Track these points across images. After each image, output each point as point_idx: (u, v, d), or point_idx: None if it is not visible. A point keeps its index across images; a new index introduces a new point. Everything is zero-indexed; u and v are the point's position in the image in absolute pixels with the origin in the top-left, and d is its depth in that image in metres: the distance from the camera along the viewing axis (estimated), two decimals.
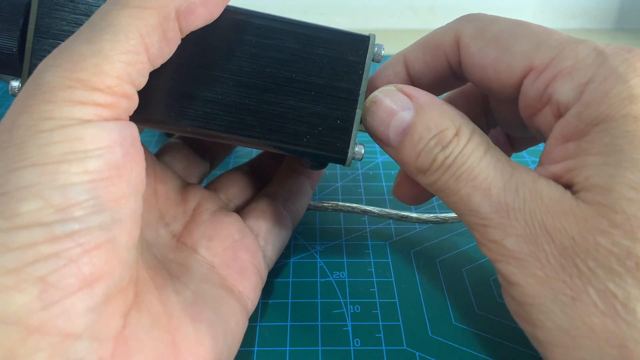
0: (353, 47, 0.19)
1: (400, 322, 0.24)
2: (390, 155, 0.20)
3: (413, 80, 0.22)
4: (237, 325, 0.20)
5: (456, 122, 0.18)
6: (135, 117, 0.16)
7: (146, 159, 0.23)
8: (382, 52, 0.20)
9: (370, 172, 0.34)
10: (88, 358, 0.14)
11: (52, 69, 0.15)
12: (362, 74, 0.19)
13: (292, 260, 0.27)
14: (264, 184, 0.27)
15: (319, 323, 0.24)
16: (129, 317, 0.15)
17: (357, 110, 0.20)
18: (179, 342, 0.16)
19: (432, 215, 0.29)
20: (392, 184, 0.33)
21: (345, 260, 0.27)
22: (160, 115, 0.19)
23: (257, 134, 0.19)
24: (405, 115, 0.18)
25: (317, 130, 0.19)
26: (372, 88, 0.20)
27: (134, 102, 0.16)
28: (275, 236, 0.24)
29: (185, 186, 0.24)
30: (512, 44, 0.18)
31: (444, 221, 0.29)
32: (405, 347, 0.22)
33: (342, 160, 0.20)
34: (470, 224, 0.18)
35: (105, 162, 0.14)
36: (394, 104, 0.19)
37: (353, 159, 0.20)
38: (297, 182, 0.26)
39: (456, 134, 0.18)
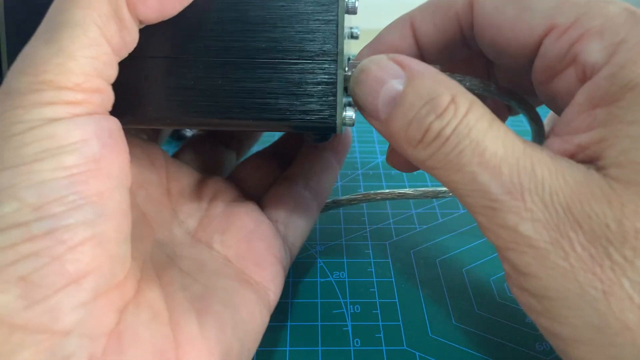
0: (322, 3, 0.18)
1: (400, 322, 0.24)
2: (379, 131, 0.18)
3: (420, 45, 0.21)
4: (251, 316, 0.19)
5: (452, 90, 0.16)
6: (120, 120, 0.16)
7: (157, 158, 0.22)
8: (357, 2, 0.18)
9: (370, 172, 0.34)
10: (78, 354, 0.13)
11: (17, 76, 0.14)
12: (337, 30, 0.18)
13: None
14: (288, 166, 0.26)
15: (319, 323, 0.24)
16: (126, 312, 0.15)
17: (339, 71, 0.18)
18: (180, 336, 0.16)
19: None
20: (392, 183, 0.33)
21: (345, 260, 0.27)
22: (141, 112, 0.19)
23: (236, 114, 0.18)
24: (395, 83, 0.17)
25: (300, 101, 0.18)
26: (374, 53, 0.19)
27: (107, 96, 0.16)
28: (297, 219, 0.23)
29: (202, 180, 0.24)
30: (533, 1, 0.17)
31: None
32: (405, 347, 0.22)
33: (332, 128, 0.19)
34: (473, 206, 0.16)
35: (82, 156, 0.14)
36: (384, 72, 0.17)
37: (344, 124, 0.19)
38: (320, 159, 0.25)
39: (452, 101, 0.16)
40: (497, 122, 0.16)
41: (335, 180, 0.26)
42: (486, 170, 0.15)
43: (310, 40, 0.18)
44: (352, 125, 0.19)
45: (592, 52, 0.15)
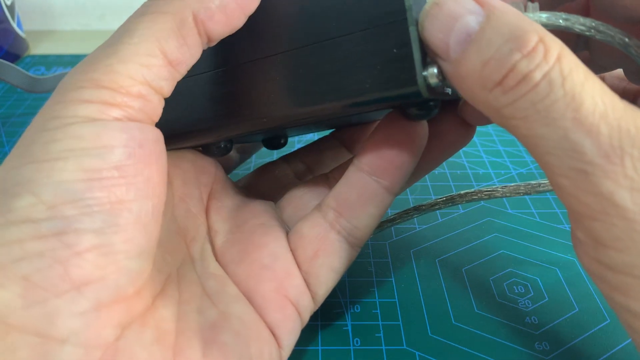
0: None
1: (400, 322, 0.24)
2: (448, 75, 0.15)
3: None
4: (259, 355, 0.18)
5: (539, 30, 0.13)
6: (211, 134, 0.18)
7: (206, 174, 0.22)
8: None
9: None
10: None
11: (71, 74, 0.15)
12: None
13: None
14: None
15: (319, 323, 0.24)
16: (129, 329, 0.15)
17: (411, 28, 0.16)
18: None
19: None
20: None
21: None
22: (243, 117, 0.19)
23: (314, 100, 0.18)
24: (471, 19, 0.14)
25: (376, 70, 0.17)
26: None
27: (152, 105, 0.15)
28: (323, 262, 0.20)
29: (244, 202, 0.22)
30: None
31: None
32: (405, 347, 0.22)
33: (415, 93, 0.16)
34: (557, 167, 0.13)
35: (104, 162, 0.14)
36: (459, 7, 0.15)
37: (428, 85, 0.16)
38: (357, 187, 0.20)
39: (540, 41, 0.13)
40: (591, 74, 0.13)
41: (378, 212, 0.20)
42: (581, 128, 0.13)
43: (377, 5, 0.16)
44: (438, 84, 0.16)
45: None
